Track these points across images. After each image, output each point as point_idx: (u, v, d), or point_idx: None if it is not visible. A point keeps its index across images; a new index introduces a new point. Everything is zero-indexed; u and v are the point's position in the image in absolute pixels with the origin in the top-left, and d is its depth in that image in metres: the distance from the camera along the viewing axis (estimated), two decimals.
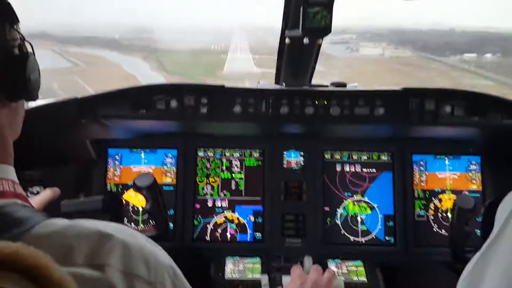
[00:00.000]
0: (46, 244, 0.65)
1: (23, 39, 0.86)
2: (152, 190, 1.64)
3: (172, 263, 0.83)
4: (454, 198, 2.17)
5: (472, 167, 2.22)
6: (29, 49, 0.88)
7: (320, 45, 1.94)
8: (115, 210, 1.60)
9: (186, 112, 1.94)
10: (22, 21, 0.85)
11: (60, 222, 0.72)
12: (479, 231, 2.07)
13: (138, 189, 1.64)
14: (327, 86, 2.06)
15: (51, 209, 1.60)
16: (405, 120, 1.96)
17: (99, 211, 1.53)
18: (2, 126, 0.82)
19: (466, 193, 2.19)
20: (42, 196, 1.58)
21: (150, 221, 1.77)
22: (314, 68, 2.07)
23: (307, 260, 1.93)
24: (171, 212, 2.15)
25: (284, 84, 2.06)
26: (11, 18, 0.82)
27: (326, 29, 1.55)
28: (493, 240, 0.98)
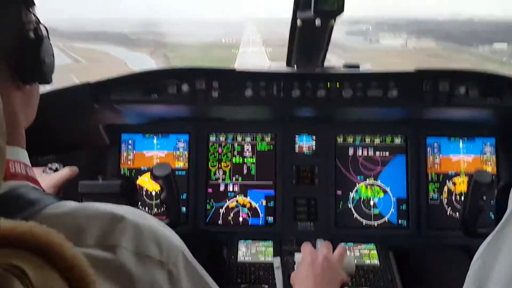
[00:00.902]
0: (57, 224, 0.65)
1: (38, 22, 0.86)
2: (168, 180, 1.66)
3: (184, 245, 0.82)
4: (468, 181, 2.15)
5: (487, 149, 2.19)
6: (44, 33, 0.88)
7: (332, 27, 1.91)
8: (131, 195, 1.62)
9: (198, 96, 1.94)
10: None
11: (71, 204, 0.72)
12: (492, 214, 2.06)
13: (155, 178, 1.66)
14: (339, 68, 2.04)
15: (68, 189, 1.63)
16: (419, 102, 1.93)
17: (116, 195, 1.55)
18: (16, 109, 0.82)
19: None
20: (60, 174, 1.60)
21: (164, 209, 1.79)
22: (326, 50, 2.04)
23: (319, 243, 1.93)
24: (184, 196, 2.17)
25: (295, 67, 2.04)
26: (27, 0, 0.82)
27: (339, 9, 1.53)
28: (504, 222, 0.96)
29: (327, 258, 1.46)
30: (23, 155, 0.82)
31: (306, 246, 1.57)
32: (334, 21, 1.78)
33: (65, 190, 1.62)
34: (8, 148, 0.76)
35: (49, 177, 1.59)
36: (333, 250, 1.56)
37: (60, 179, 1.56)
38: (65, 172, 1.60)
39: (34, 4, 0.85)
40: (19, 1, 0.80)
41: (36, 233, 0.52)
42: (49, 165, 1.83)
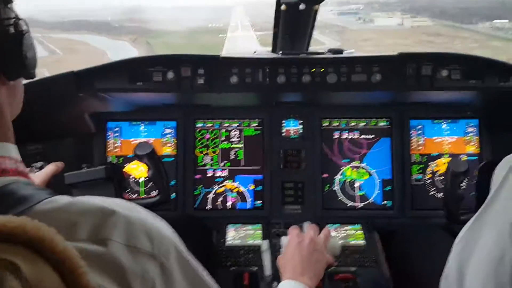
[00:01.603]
0: (49, 220, 0.66)
1: (17, 17, 0.85)
2: (152, 157, 1.67)
3: (176, 237, 0.84)
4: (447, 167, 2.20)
5: (470, 130, 2.24)
6: (24, 27, 0.88)
7: (316, 11, 1.91)
8: (118, 179, 1.62)
9: (183, 84, 1.94)
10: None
11: (63, 199, 0.73)
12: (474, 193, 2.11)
13: (139, 157, 1.67)
14: (323, 53, 2.05)
15: (56, 183, 1.63)
16: (402, 86, 1.96)
17: (103, 180, 1.55)
18: (2, 105, 0.82)
19: (464, 156, 2.21)
20: (45, 170, 1.59)
21: (154, 187, 1.80)
22: (311, 34, 2.05)
23: (306, 226, 1.97)
24: (173, 182, 2.19)
25: (280, 53, 2.04)
26: None
27: None
28: (487, 205, 0.99)
29: (313, 240, 1.50)
30: (13, 150, 0.82)
31: (293, 229, 1.61)
32: (318, 5, 1.78)
33: (54, 185, 1.62)
34: None
35: (35, 175, 1.58)
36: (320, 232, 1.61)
37: (46, 176, 1.55)
38: (50, 168, 1.58)
39: (12, 0, 0.85)
40: None
41: (28, 228, 0.54)
42: (33, 164, 1.83)
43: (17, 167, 0.79)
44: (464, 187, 1.91)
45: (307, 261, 1.41)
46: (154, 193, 1.76)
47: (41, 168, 1.70)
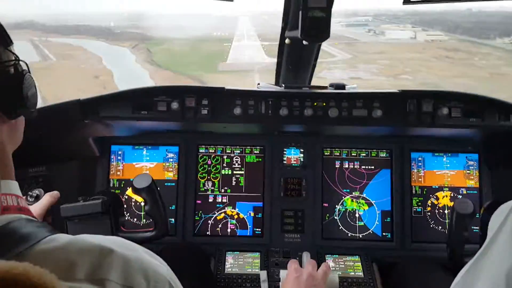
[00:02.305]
0: (49, 259, 0.69)
1: (17, 59, 0.88)
2: (151, 190, 1.65)
3: (171, 274, 0.86)
4: (451, 195, 2.21)
5: (470, 164, 2.25)
6: (24, 68, 0.90)
7: (320, 46, 1.95)
8: (115, 213, 1.62)
9: (187, 114, 1.97)
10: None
11: (63, 238, 0.75)
12: (477, 229, 2.11)
13: (137, 191, 1.66)
14: (325, 87, 2.07)
15: (54, 213, 1.64)
16: (403, 122, 1.98)
17: (99, 214, 1.56)
18: (3, 142, 0.85)
19: (464, 190, 2.21)
20: (42, 202, 1.59)
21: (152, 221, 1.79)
22: (314, 67, 2.08)
23: (305, 256, 1.98)
24: (173, 207, 2.20)
25: (283, 86, 2.07)
26: (5, 40, 0.85)
27: (325, 33, 1.56)
28: (483, 251, 1.00)
29: (312, 275, 1.52)
30: (14, 187, 0.85)
31: (291, 263, 1.62)
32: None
33: (52, 214, 1.63)
34: None
35: (31, 208, 1.59)
36: (319, 265, 1.62)
37: (42, 208, 1.56)
38: (46, 200, 1.59)
39: (12, 42, 0.87)
40: None
41: (31, 275, 0.56)
42: (30, 193, 1.84)
43: (18, 203, 0.82)
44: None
45: None
46: (151, 225, 1.74)
47: (37, 197, 1.72)
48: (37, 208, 1.55)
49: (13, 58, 0.87)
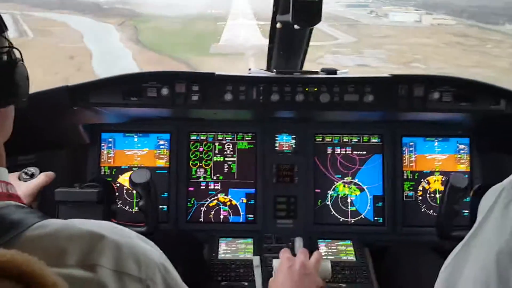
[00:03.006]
0: (39, 246, 0.69)
1: (11, 46, 0.86)
2: (147, 187, 1.66)
3: (164, 259, 0.86)
4: (442, 179, 2.22)
5: (461, 148, 2.26)
6: (18, 55, 0.88)
7: (312, 30, 1.93)
8: (108, 203, 1.62)
9: (177, 100, 1.95)
10: None
11: (53, 223, 0.75)
12: (467, 212, 2.13)
13: (133, 184, 1.66)
14: (317, 72, 2.06)
15: (46, 194, 1.63)
16: (394, 106, 1.98)
17: (93, 203, 1.55)
18: None
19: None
20: (36, 181, 1.60)
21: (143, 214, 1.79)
22: (306, 52, 2.07)
23: (298, 241, 1.99)
24: (165, 195, 2.20)
25: (275, 71, 2.06)
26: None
27: (317, 18, 1.55)
28: (473, 233, 1.01)
29: (304, 264, 1.52)
30: (4, 174, 0.84)
31: (284, 253, 1.62)
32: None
33: (42, 197, 1.63)
34: None
35: (25, 185, 1.58)
36: (311, 253, 1.62)
37: (36, 187, 1.56)
38: (41, 179, 1.60)
39: (6, 29, 0.85)
40: None
41: (18, 262, 0.56)
42: (25, 169, 1.83)
43: (8, 190, 0.81)
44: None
45: (298, 286, 1.43)
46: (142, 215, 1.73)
47: (32, 175, 1.71)
48: (30, 187, 1.55)
49: (7, 45, 0.85)
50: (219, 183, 2.25)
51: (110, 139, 2.24)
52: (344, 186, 2.25)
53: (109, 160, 2.24)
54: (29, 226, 0.71)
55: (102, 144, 2.23)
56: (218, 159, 2.26)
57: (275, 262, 1.69)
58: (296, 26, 1.66)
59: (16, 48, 0.88)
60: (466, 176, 2.21)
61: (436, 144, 2.26)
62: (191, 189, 2.23)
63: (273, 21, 1.94)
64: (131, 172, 2.19)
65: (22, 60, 0.90)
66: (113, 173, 2.23)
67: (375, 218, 2.23)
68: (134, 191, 2.18)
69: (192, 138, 2.26)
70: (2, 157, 0.87)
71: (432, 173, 2.25)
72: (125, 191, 2.21)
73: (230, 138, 2.26)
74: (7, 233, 0.68)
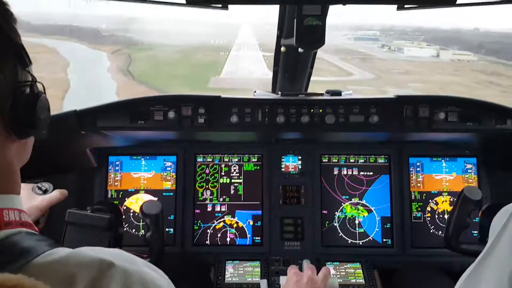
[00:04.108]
0: (48, 272, 0.69)
1: (34, 80, 0.88)
2: (157, 219, 1.66)
3: (171, 285, 0.86)
4: (450, 199, 2.20)
5: (468, 168, 2.24)
6: (40, 88, 0.91)
7: (315, 53, 1.96)
8: (116, 231, 1.62)
9: (184, 123, 1.98)
10: None
11: (63, 251, 0.75)
12: (476, 232, 2.10)
13: (144, 215, 1.66)
14: (322, 94, 2.08)
15: (54, 212, 1.65)
16: (400, 127, 1.98)
17: (102, 229, 1.55)
18: (12, 160, 0.85)
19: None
20: (50, 197, 1.64)
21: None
22: (310, 74, 2.09)
23: (306, 263, 1.97)
24: (171, 217, 2.19)
25: (280, 93, 2.08)
26: (24, 61, 0.85)
27: (320, 41, 1.57)
28: (486, 253, 1.00)
29: (312, 280, 1.51)
30: (18, 202, 0.85)
31: (291, 268, 1.61)
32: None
33: (50, 213, 1.64)
34: (2, 196, 0.79)
35: (38, 199, 1.61)
36: (318, 271, 1.61)
37: (49, 203, 1.60)
38: (55, 196, 1.64)
39: (30, 63, 0.88)
40: (16, 61, 0.82)
41: (25, 286, 0.56)
42: (39, 184, 1.84)
43: (20, 218, 0.81)
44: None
45: None
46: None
47: (45, 191, 1.73)
48: (44, 201, 1.58)
49: (30, 79, 0.87)
50: (226, 205, 2.24)
51: (117, 162, 2.26)
52: (351, 207, 2.23)
53: (116, 183, 2.25)
54: (40, 253, 0.72)
55: (109, 167, 2.25)
56: (225, 181, 2.26)
57: (282, 279, 1.68)
58: (300, 49, 1.69)
59: (39, 82, 0.90)
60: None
61: (443, 164, 2.25)
62: (198, 211, 2.23)
63: (278, 45, 1.97)
64: (138, 195, 2.22)
65: (45, 92, 0.92)
66: (120, 196, 2.23)
67: (384, 240, 2.20)
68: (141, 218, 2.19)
69: (199, 160, 2.27)
70: (18, 185, 0.88)
71: (440, 193, 2.23)
72: (131, 214, 2.21)
73: (236, 160, 2.27)
74: (18, 260, 0.69)
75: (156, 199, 2.15)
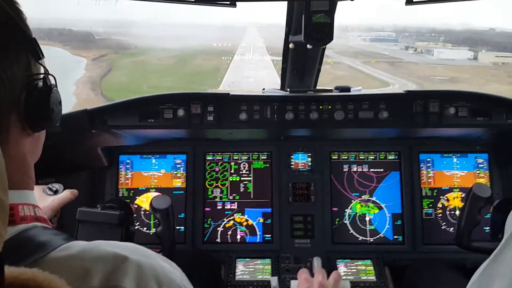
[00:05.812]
0: (64, 267, 0.70)
1: (47, 72, 0.89)
2: (167, 213, 1.67)
3: (185, 280, 0.86)
4: (462, 195, 2.18)
5: (480, 164, 2.22)
6: (53, 82, 0.92)
7: (324, 49, 1.95)
8: (127, 227, 1.63)
9: (193, 120, 1.99)
10: None
11: (78, 245, 0.76)
12: (487, 228, 2.08)
13: (154, 210, 1.68)
14: (331, 90, 2.07)
15: (65, 211, 1.67)
16: (410, 123, 1.97)
17: (113, 225, 1.57)
18: (26, 154, 0.86)
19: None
20: (61, 197, 1.65)
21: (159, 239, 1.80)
22: (319, 71, 2.09)
23: (316, 261, 1.96)
24: (182, 215, 2.20)
25: (288, 90, 2.08)
26: (37, 54, 0.86)
27: (328, 37, 1.57)
28: (499, 250, 0.99)
29: (322, 285, 1.49)
30: (32, 197, 0.86)
31: (301, 273, 1.60)
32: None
33: (62, 213, 1.66)
34: (17, 192, 0.80)
35: (49, 199, 1.63)
36: (328, 273, 1.60)
37: (60, 203, 1.62)
38: (66, 195, 1.65)
39: (43, 56, 0.89)
40: (29, 54, 0.83)
41: (40, 280, 0.57)
42: (50, 185, 1.87)
43: (35, 213, 0.82)
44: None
45: None
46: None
47: (56, 192, 1.75)
48: (55, 201, 1.60)
49: (43, 72, 0.88)
50: (236, 203, 2.25)
51: (127, 161, 2.28)
52: (361, 204, 2.22)
53: (126, 182, 2.27)
54: (55, 247, 0.73)
55: (120, 166, 2.27)
56: (234, 179, 2.26)
57: (293, 284, 1.67)
58: (308, 46, 1.69)
59: (51, 75, 0.91)
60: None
61: (455, 160, 2.23)
62: (208, 209, 2.24)
63: (286, 42, 1.97)
64: (149, 193, 2.23)
65: (56, 86, 0.93)
66: (131, 194, 2.25)
67: (395, 237, 2.19)
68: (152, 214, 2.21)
69: (208, 158, 2.28)
70: (32, 180, 0.89)
71: (451, 189, 2.22)
72: (142, 213, 2.23)
73: (246, 157, 2.27)
74: (34, 254, 0.70)
75: None
